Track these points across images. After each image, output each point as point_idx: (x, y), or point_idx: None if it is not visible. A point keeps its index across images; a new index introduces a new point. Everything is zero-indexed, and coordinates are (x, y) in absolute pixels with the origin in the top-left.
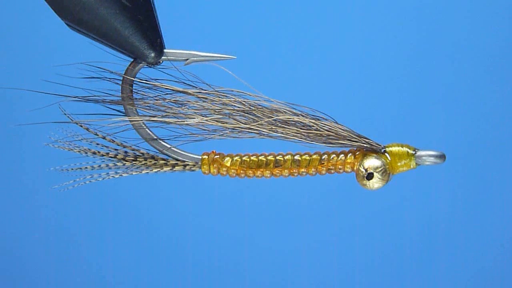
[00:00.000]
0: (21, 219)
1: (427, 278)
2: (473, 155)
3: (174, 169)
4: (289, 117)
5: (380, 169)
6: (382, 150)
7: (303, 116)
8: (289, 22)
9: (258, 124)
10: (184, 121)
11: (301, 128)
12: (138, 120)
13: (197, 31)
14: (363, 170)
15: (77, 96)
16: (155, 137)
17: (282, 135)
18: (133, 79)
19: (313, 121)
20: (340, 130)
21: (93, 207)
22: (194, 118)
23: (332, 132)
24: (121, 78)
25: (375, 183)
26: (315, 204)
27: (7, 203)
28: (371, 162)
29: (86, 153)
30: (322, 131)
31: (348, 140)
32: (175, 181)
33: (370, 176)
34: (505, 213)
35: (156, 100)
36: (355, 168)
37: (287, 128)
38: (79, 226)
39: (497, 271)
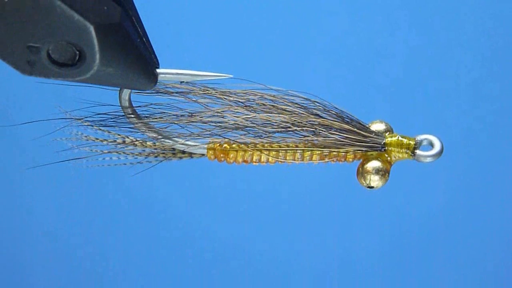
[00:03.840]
0: (19, 220)
1: (426, 277)
2: (472, 153)
3: (181, 159)
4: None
5: (379, 174)
6: (383, 143)
7: (307, 111)
8: (288, 24)
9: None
10: (195, 146)
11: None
12: (152, 135)
13: (192, 47)
14: (364, 182)
15: (87, 120)
16: (165, 136)
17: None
18: (130, 105)
19: (316, 116)
20: (340, 119)
21: (93, 206)
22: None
23: (335, 132)
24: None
25: (375, 188)
26: (315, 201)
27: (8, 203)
28: (371, 165)
29: (94, 140)
30: (327, 134)
31: (349, 139)
32: (176, 179)
33: (370, 188)
34: (505, 211)
35: (164, 117)
36: (356, 157)
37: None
38: (79, 223)
39: (497, 271)
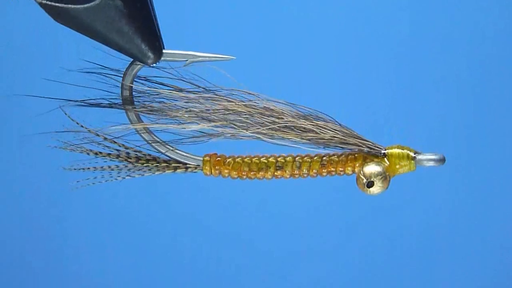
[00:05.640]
0: (19, 221)
1: (427, 281)
2: (473, 156)
3: (176, 171)
4: (291, 119)
5: (380, 176)
6: (382, 153)
7: (304, 119)
8: (289, 22)
9: (259, 129)
10: (187, 127)
11: (302, 131)
12: (140, 126)
13: (198, 31)
14: (364, 178)
15: (78, 100)
16: (158, 140)
17: (283, 138)
18: (131, 85)
19: (314, 122)
20: (340, 132)
21: (91, 210)
22: (197, 124)
23: (333, 134)
24: (120, 81)
25: (375, 190)
26: (314, 205)
27: (7, 205)
28: (372, 169)
29: (88, 153)
30: (323, 133)
31: (348, 142)
32: (173, 183)
33: (370, 184)
34: (506, 214)
35: (158, 104)
36: (355, 170)
37: (288, 132)
38: (77, 229)
39: (498, 272)
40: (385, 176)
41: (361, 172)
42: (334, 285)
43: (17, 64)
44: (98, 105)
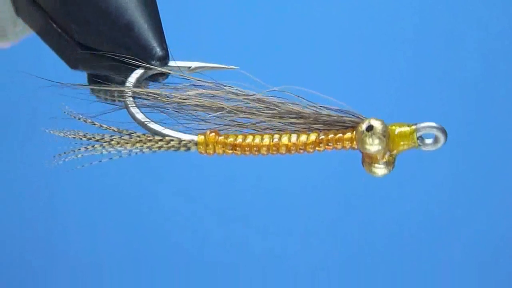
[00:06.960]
0: (13, 210)
1: (426, 274)
2: (473, 148)
3: (169, 145)
4: (290, 109)
5: (380, 127)
6: None
7: (305, 107)
8: (289, 18)
9: (258, 121)
10: (181, 97)
11: (302, 119)
12: (134, 105)
13: (200, 40)
14: (363, 125)
15: (76, 84)
16: (150, 120)
17: (281, 128)
18: (145, 67)
19: (313, 107)
20: (341, 114)
21: (82, 189)
22: (191, 94)
23: (333, 116)
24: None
25: (375, 143)
26: (311, 182)
27: None
28: (371, 122)
29: (81, 139)
30: (323, 115)
31: (349, 120)
32: (167, 159)
33: (370, 128)
34: (506, 207)
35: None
36: (353, 144)
37: (287, 121)
38: (68, 208)
39: (497, 267)
40: (385, 128)
41: (360, 125)
42: (330, 262)
43: (17, 64)
44: (95, 83)
